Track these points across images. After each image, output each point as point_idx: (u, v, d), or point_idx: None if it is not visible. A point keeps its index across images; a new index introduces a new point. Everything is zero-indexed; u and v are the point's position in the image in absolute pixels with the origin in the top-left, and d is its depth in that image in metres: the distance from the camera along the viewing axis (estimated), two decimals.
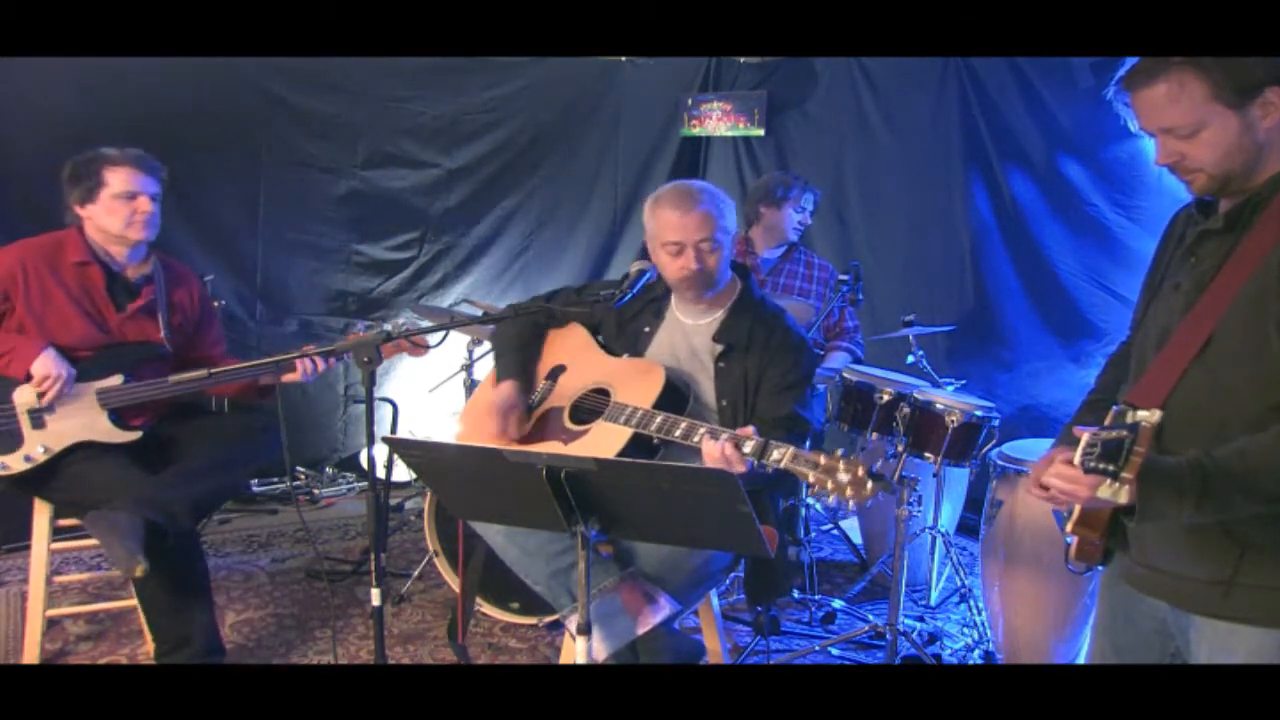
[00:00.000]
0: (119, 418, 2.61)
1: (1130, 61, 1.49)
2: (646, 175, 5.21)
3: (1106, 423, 1.43)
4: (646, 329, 2.52)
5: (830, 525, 4.29)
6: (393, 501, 4.31)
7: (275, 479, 4.41)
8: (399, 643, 3.10)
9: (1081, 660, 2.78)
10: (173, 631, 2.61)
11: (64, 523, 2.72)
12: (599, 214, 5.26)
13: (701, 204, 2.34)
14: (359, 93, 4.54)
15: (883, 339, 3.88)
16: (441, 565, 3.27)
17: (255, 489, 4.37)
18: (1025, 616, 2.87)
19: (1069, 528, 1.56)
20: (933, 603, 3.57)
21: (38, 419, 2.52)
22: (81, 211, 2.62)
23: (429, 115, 4.74)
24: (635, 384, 2.37)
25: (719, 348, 2.41)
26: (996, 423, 3.07)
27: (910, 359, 3.59)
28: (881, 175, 4.67)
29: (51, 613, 2.84)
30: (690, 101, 5.14)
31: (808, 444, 2.17)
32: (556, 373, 2.57)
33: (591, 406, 2.43)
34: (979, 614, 3.25)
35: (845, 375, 3.34)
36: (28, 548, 2.71)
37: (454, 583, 3.19)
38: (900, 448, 3.07)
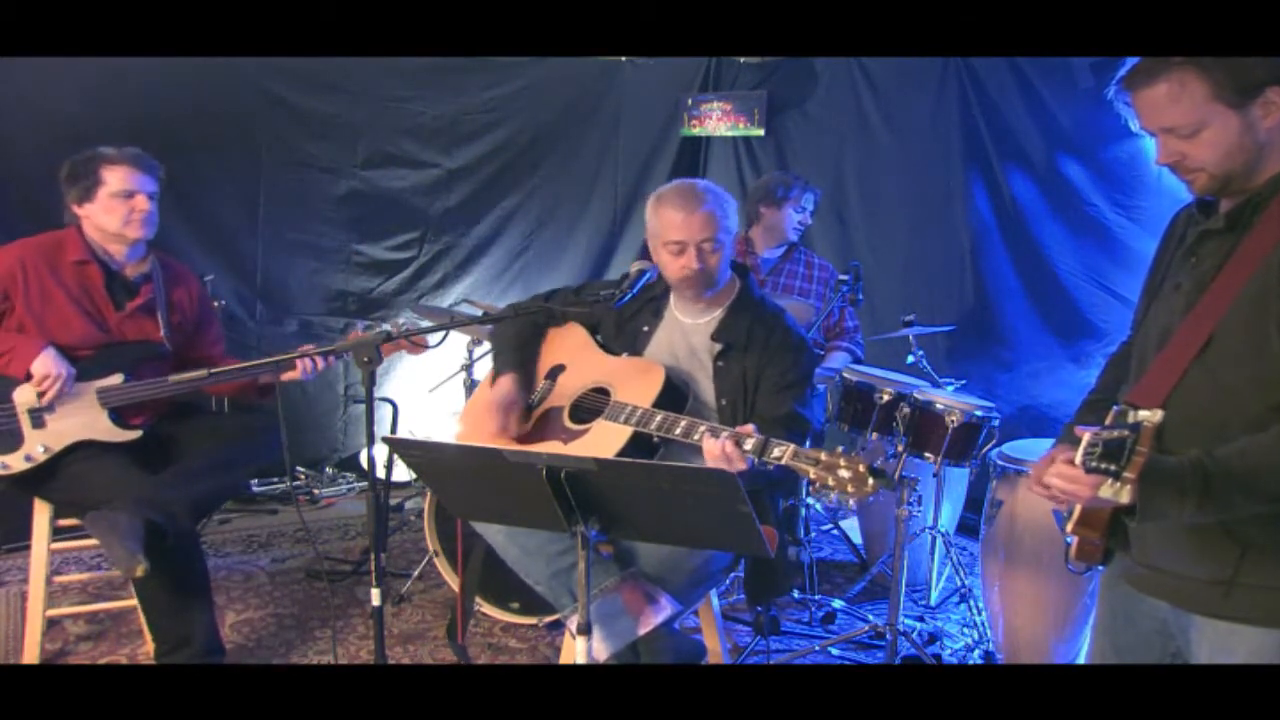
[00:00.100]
0: (119, 417, 2.61)
1: (1131, 61, 1.49)
2: (646, 175, 5.20)
3: (1107, 423, 1.43)
4: (645, 328, 2.52)
5: (830, 525, 4.29)
6: (393, 501, 4.31)
7: (275, 479, 4.41)
8: (399, 643, 3.10)
9: (1081, 660, 2.78)
10: (173, 631, 2.61)
11: (64, 523, 2.72)
12: (599, 214, 5.26)
13: (705, 204, 2.34)
14: (359, 93, 4.54)
15: (883, 339, 3.88)
16: (441, 565, 3.27)
17: (255, 489, 4.37)
18: (1025, 616, 2.87)
19: (1069, 528, 1.56)
20: (933, 603, 3.57)
21: (38, 418, 2.52)
22: (79, 210, 2.63)
23: (429, 115, 4.73)
24: (635, 383, 2.37)
25: (718, 347, 2.41)
26: (996, 423, 3.07)
27: (910, 359, 3.59)
28: (881, 175, 4.67)
29: (51, 613, 2.84)
30: (690, 101, 5.14)
31: (808, 443, 2.16)
32: (556, 372, 2.57)
33: (591, 406, 2.43)
34: (979, 614, 3.25)
35: (845, 375, 3.34)
36: (28, 548, 2.71)
37: (454, 583, 3.19)
38: (900, 448, 3.07)
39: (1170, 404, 1.41)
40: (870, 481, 1.84)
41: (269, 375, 2.62)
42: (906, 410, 3.06)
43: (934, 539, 3.51)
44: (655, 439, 2.26)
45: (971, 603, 3.31)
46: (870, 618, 3.26)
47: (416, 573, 3.50)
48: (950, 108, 4.31)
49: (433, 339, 2.62)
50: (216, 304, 3.80)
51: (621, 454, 2.24)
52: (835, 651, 3.14)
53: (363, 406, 2.18)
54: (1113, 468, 1.25)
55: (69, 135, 3.06)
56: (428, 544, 3.28)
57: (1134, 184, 3.75)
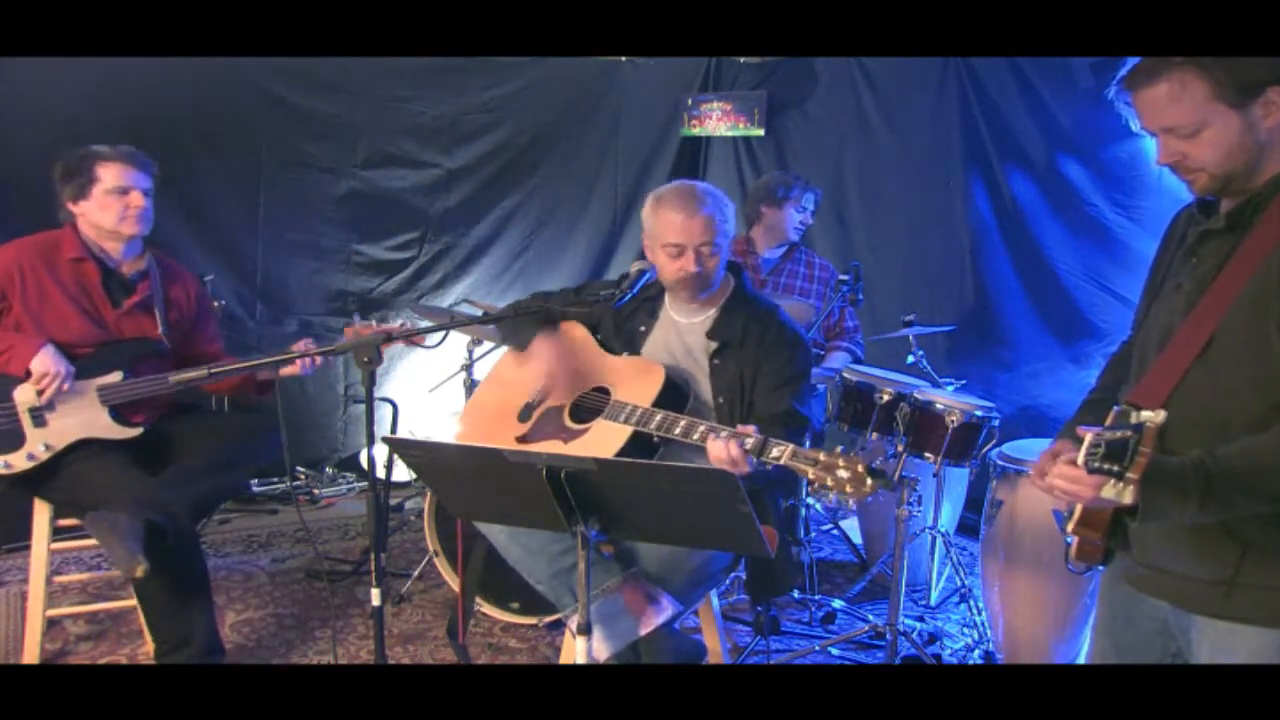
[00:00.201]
0: (120, 414, 2.61)
1: (1131, 61, 1.49)
2: (646, 175, 5.20)
3: (1108, 423, 1.43)
4: (642, 328, 2.52)
5: (830, 525, 4.29)
6: (393, 501, 4.31)
7: (275, 479, 4.41)
8: (399, 643, 3.10)
9: (1081, 660, 2.78)
10: (173, 631, 2.61)
11: (64, 523, 2.72)
12: (599, 214, 5.26)
13: (705, 207, 2.34)
14: (359, 93, 4.54)
15: (883, 339, 3.88)
16: (441, 565, 3.27)
17: (255, 489, 4.37)
18: (1025, 616, 2.87)
19: (1070, 528, 1.56)
20: (933, 603, 3.57)
21: (39, 417, 2.52)
22: (75, 208, 2.63)
23: (429, 115, 4.73)
24: (635, 382, 2.37)
25: (713, 345, 2.42)
26: (996, 423, 3.07)
27: (910, 359, 3.59)
28: (881, 175, 4.67)
29: (51, 613, 2.84)
30: (690, 101, 5.14)
31: (807, 441, 2.17)
32: None
33: (591, 405, 2.43)
34: (979, 614, 3.25)
35: (845, 375, 3.34)
36: (28, 548, 2.71)
37: (454, 583, 3.19)
38: (900, 448, 3.07)
39: (1171, 404, 1.41)
40: (869, 482, 1.84)
41: (268, 372, 2.62)
42: (906, 410, 3.06)
43: (934, 539, 3.51)
44: (655, 438, 2.26)
45: (971, 603, 3.31)
46: (870, 618, 3.26)
47: (416, 573, 3.50)
48: (950, 108, 4.31)
49: (433, 339, 2.62)
50: (216, 304, 3.80)
51: (621, 453, 2.24)
52: (835, 651, 3.14)
53: (363, 406, 2.18)
54: (1115, 468, 1.25)
55: (69, 135, 3.05)
56: (428, 544, 3.28)
57: (1134, 184, 3.75)
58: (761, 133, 5.02)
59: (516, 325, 2.59)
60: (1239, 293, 1.41)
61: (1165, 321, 1.54)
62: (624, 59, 5.12)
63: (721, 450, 2.03)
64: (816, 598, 3.43)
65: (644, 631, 2.14)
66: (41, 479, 2.56)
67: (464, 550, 2.88)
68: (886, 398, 3.13)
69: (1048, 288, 4.04)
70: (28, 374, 2.49)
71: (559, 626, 3.00)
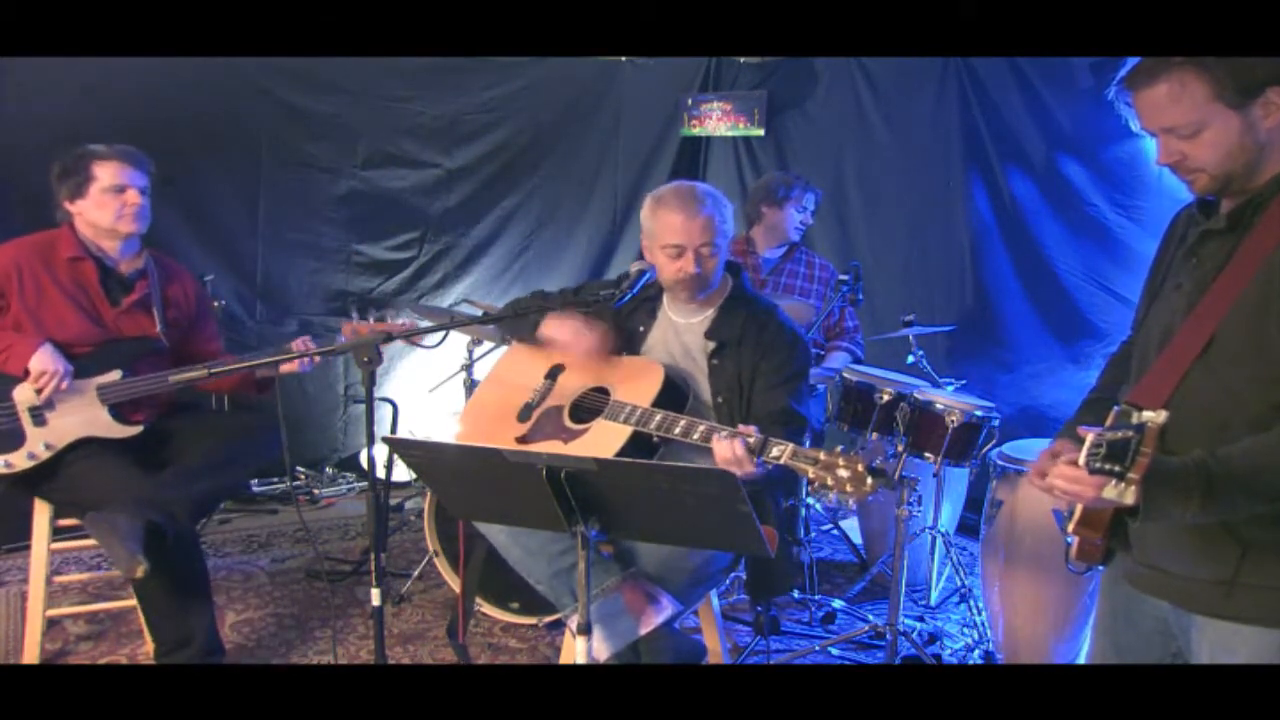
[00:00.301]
0: (119, 413, 2.61)
1: (1131, 61, 1.49)
2: (646, 175, 5.20)
3: (1109, 423, 1.43)
4: (640, 328, 2.52)
5: (830, 525, 4.29)
6: (393, 501, 4.31)
7: (275, 479, 4.41)
8: (399, 643, 3.09)
9: (1081, 660, 2.78)
10: (173, 631, 2.61)
11: (64, 523, 2.72)
12: (599, 214, 5.26)
13: (705, 208, 2.34)
14: (359, 93, 4.54)
15: (883, 339, 3.88)
16: (441, 565, 3.27)
17: (255, 489, 4.37)
18: (1025, 616, 2.87)
19: (1070, 528, 1.55)
20: (933, 603, 3.57)
21: (39, 416, 2.52)
22: (72, 207, 2.63)
23: (429, 115, 4.73)
24: (635, 382, 2.37)
25: (711, 345, 2.42)
26: (996, 423, 3.07)
27: (910, 359, 3.59)
28: (881, 175, 4.67)
29: (51, 613, 2.84)
30: (690, 101, 5.14)
31: (807, 440, 2.16)
32: (556, 371, 2.57)
33: (591, 405, 2.43)
34: (979, 614, 3.25)
35: (845, 375, 3.34)
36: (28, 548, 2.71)
37: (454, 583, 3.19)
38: (900, 447, 3.07)
39: (1172, 404, 1.41)
40: (869, 481, 1.84)
41: (267, 370, 2.62)
42: (906, 410, 3.06)
43: (934, 539, 3.51)
44: (655, 438, 2.26)
45: (971, 603, 3.31)
46: (870, 618, 3.26)
47: (416, 573, 3.50)
48: (950, 108, 4.31)
49: (432, 339, 2.62)
50: (216, 304, 3.80)
51: (621, 453, 2.24)
52: (835, 651, 3.14)
53: (363, 406, 2.18)
54: (1117, 468, 1.25)
55: (68, 135, 3.06)
56: (428, 544, 3.28)
57: (1134, 184, 3.75)
58: (761, 133, 5.02)
59: (516, 325, 2.59)
60: (1239, 293, 1.41)
61: (1165, 321, 1.54)
62: (624, 59, 5.12)
63: (728, 450, 2.03)
64: (816, 598, 3.43)
65: (644, 631, 2.14)
66: (41, 479, 2.56)
67: (464, 550, 2.88)
68: (886, 398, 3.13)
69: (1048, 288, 4.04)
70: (26, 373, 2.49)
71: (559, 626, 3.00)
